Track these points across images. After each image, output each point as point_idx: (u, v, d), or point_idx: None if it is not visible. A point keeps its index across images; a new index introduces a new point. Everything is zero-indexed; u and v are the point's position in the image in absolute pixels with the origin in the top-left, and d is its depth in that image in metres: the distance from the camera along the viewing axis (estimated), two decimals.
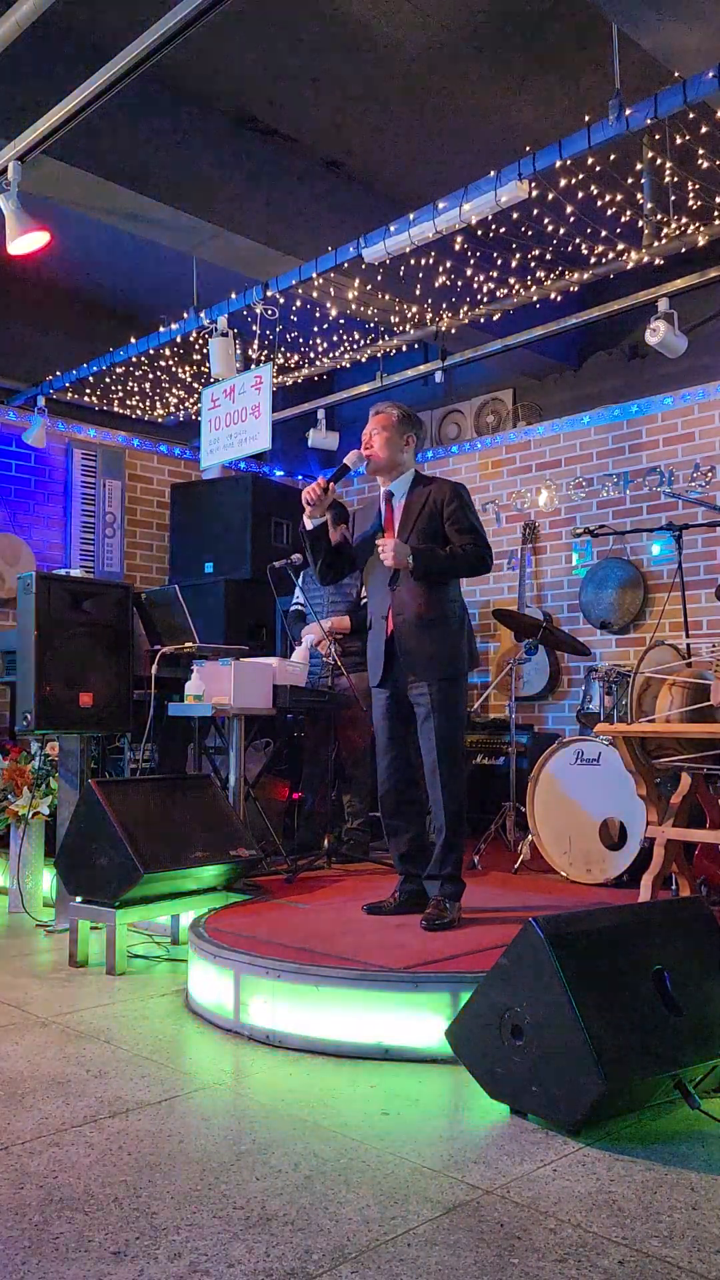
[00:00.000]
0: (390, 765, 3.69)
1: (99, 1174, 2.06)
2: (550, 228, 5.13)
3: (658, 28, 3.79)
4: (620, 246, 5.17)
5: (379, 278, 5.54)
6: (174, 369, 6.85)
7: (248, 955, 3.00)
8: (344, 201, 5.62)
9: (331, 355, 6.82)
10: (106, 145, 4.66)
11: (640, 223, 4.99)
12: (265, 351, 6.94)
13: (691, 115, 4.08)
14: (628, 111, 3.64)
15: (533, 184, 4.22)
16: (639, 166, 4.65)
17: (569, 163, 4.01)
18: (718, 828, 3.62)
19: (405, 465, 3.71)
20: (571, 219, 4.99)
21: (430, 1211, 1.90)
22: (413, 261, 5.43)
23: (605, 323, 5.91)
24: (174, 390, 7.16)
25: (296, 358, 7.14)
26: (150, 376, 6.96)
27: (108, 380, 6.93)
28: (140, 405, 7.30)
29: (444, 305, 5.94)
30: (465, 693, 3.74)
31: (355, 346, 6.71)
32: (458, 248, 5.54)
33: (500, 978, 2.39)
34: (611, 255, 5.23)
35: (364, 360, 6.65)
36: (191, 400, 7.23)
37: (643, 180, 4.70)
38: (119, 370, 6.74)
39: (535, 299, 5.59)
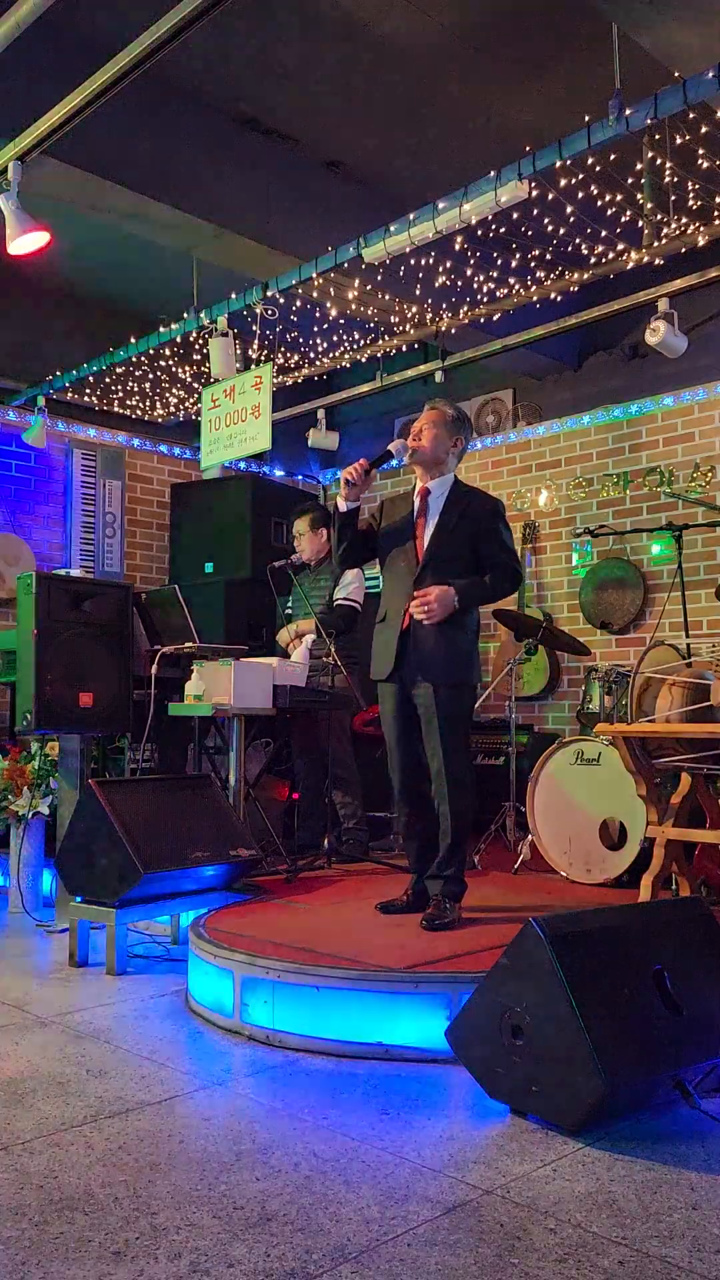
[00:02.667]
0: (402, 763, 3.67)
1: (99, 1174, 2.06)
2: (550, 228, 5.13)
3: (658, 28, 3.79)
4: (620, 246, 5.17)
5: (379, 278, 5.54)
6: (174, 369, 6.85)
7: (248, 955, 3.01)
8: (344, 201, 5.62)
9: (331, 355, 6.82)
10: (106, 145, 4.66)
11: (640, 223, 4.98)
12: (265, 351, 6.94)
13: (691, 115, 4.08)
14: (628, 111, 3.64)
15: (533, 184, 4.22)
16: (639, 166, 4.65)
17: (569, 163, 4.01)
18: (718, 828, 3.62)
19: (448, 467, 3.70)
20: (571, 219, 4.99)
21: (430, 1211, 1.90)
22: (413, 261, 5.43)
23: (605, 323, 5.90)
24: (174, 390, 7.16)
25: (296, 358, 7.14)
26: (150, 376, 6.96)
27: (108, 380, 6.92)
28: (140, 405, 7.29)
29: (444, 305, 5.94)
30: (473, 699, 3.72)
31: (355, 346, 6.71)
32: (458, 248, 5.53)
33: (500, 978, 2.39)
34: (611, 255, 5.23)
35: (364, 360, 6.65)
36: (191, 400, 7.23)
37: (643, 180, 4.69)
38: (119, 370, 6.74)
39: (535, 299, 5.59)
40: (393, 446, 3.65)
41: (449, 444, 3.67)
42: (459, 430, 3.70)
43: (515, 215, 4.93)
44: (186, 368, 6.87)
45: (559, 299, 5.66)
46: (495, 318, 5.83)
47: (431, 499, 3.67)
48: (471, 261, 5.68)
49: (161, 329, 5.82)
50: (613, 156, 4.44)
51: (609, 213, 4.95)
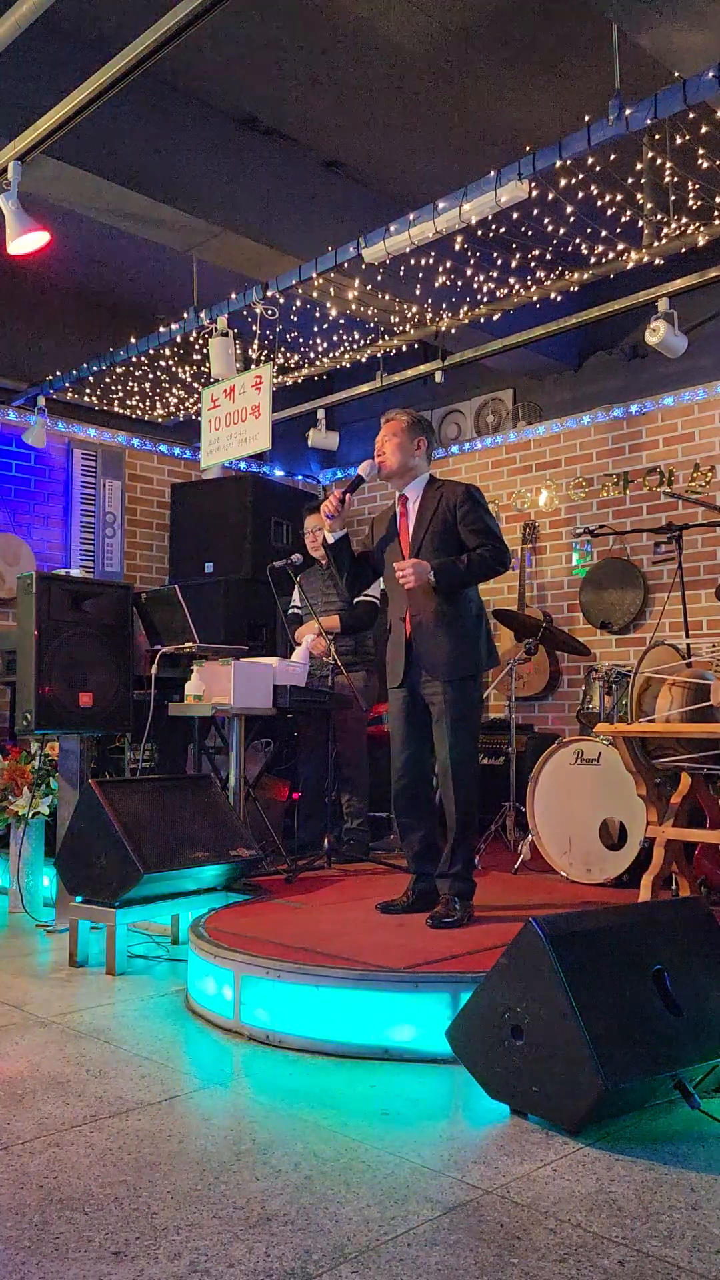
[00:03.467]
0: (404, 764, 3.70)
1: (99, 1174, 2.06)
2: (550, 228, 5.13)
3: (658, 28, 3.79)
4: (620, 246, 5.17)
5: (379, 278, 5.54)
6: (174, 369, 6.85)
7: (248, 955, 3.00)
8: (344, 201, 5.62)
9: (331, 355, 6.82)
10: (106, 145, 4.66)
11: (640, 223, 4.98)
12: (265, 351, 6.93)
13: (691, 115, 4.08)
14: (628, 111, 3.64)
15: (533, 184, 4.22)
16: (639, 166, 4.65)
17: (569, 163, 4.01)
18: (717, 828, 3.62)
19: (418, 469, 3.76)
20: (571, 219, 4.99)
21: (430, 1211, 1.90)
22: (413, 261, 5.43)
23: (605, 323, 5.90)
24: (174, 390, 7.16)
25: (296, 358, 7.14)
26: (150, 376, 6.96)
27: (108, 380, 6.92)
28: (140, 405, 7.29)
29: (444, 305, 5.94)
30: (480, 693, 3.77)
31: (355, 346, 6.71)
32: (458, 248, 5.53)
33: (500, 978, 2.39)
34: (611, 255, 5.23)
35: (364, 360, 6.65)
36: (191, 400, 7.23)
37: (643, 180, 4.69)
38: (119, 370, 6.74)
39: (535, 299, 5.59)
40: (362, 469, 3.73)
41: (412, 449, 3.73)
42: (419, 432, 3.76)
43: (515, 215, 4.92)
44: (186, 368, 6.87)
45: (559, 299, 5.66)
46: (495, 318, 5.82)
47: (410, 504, 3.75)
48: (471, 261, 5.68)
49: (161, 329, 5.83)
50: (613, 156, 4.44)
51: (609, 213, 4.95)
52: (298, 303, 5.84)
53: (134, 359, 6.36)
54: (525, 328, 5.96)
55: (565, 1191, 1.99)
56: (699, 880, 3.77)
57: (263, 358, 6.92)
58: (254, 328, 6.23)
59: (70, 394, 6.88)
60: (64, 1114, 2.38)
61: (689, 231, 4.87)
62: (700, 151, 4.38)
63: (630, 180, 4.70)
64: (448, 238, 4.79)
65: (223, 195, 5.11)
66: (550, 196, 4.64)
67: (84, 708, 4.35)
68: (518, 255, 5.65)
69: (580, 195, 4.72)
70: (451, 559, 3.57)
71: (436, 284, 5.78)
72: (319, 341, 6.73)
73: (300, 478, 8.37)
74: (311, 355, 7.00)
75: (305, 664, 4.98)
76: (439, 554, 3.60)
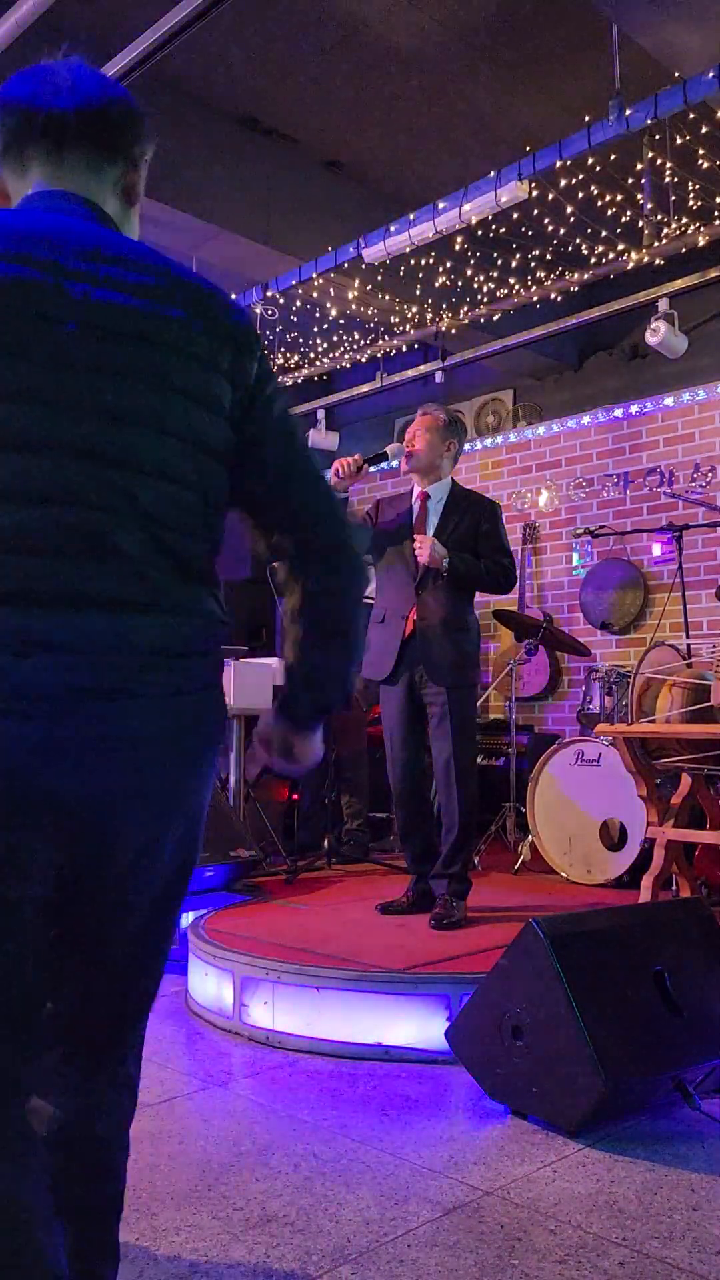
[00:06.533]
0: (405, 767, 3.69)
1: None
2: (550, 228, 5.13)
3: (658, 28, 3.79)
4: (620, 246, 5.17)
5: (379, 278, 5.54)
6: None
7: (247, 956, 3.00)
8: (344, 201, 5.61)
9: (331, 355, 6.82)
10: None
11: (640, 223, 4.99)
12: (265, 351, 6.93)
13: (691, 115, 4.08)
14: (628, 111, 3.64)
15: (533, 184, 4.22)
16: (639, 166, 4.65)
17: (569, 163, 4.02)
18: (718, 828, 3.62)
19: (443, 471, 3.74)
20: (571, 219, 4.99)
21: (430, 1212, 1.90)
22: (413, 261, 5.43)
23: (605, 323, 5.90)
24: None
25: (296, 358, 7.14)
26: None
27: None
28: None
29: (444, 305, 5.93)
30: (477, 699, 3.78)
31: (355, 346, 6.71)
32: (458, 248, 5.53)
33: (500, 978, 2.39)
34: (611, 255, 5.23)
35: (364, 360, 6.64)
36: None
37: (643, 180, 4.70)
38: None
39: (535, 299, 5.59)
40: (389, 449, 3.70)
41: (442, 449, 3.71)
42: (452, 434, 3.74)
43: (515, 215, 4.92)
44: None
45: (559, 299, 5.66)
46: (495, 318, 5.82)
47: (431, 504, 3.71)
48: (471, 261, 5.68)
49: None
50: (613, 156, 4.44)
51: (609, 213, 4.95)
52: (298, 303, 5.84)
53: None
54: (525, 328, 5.96)
55: (565, 1192, 1.99)
56: (699, 881, 3.77)
57: None
58: None
59: None
60: None
61: (689, 231, 4.87)
62: (700, 151, 4.39)
63: (630, 180, 4.70)
64: (448, 238, 4.79)
65: (223, 195, 5.11)
66: (550, 196, 4.65)
67: None
68: (518, 255, 5.65)
69: (580, 195, 4.72)
70: (471, 559, 3.59)
71: (436, 284, 5.77)
72: (319, 341, 6.72)
73: None
74: (311, 355, 6.99)
75: None
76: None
